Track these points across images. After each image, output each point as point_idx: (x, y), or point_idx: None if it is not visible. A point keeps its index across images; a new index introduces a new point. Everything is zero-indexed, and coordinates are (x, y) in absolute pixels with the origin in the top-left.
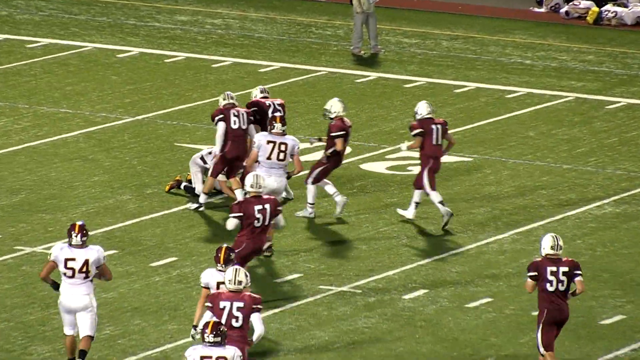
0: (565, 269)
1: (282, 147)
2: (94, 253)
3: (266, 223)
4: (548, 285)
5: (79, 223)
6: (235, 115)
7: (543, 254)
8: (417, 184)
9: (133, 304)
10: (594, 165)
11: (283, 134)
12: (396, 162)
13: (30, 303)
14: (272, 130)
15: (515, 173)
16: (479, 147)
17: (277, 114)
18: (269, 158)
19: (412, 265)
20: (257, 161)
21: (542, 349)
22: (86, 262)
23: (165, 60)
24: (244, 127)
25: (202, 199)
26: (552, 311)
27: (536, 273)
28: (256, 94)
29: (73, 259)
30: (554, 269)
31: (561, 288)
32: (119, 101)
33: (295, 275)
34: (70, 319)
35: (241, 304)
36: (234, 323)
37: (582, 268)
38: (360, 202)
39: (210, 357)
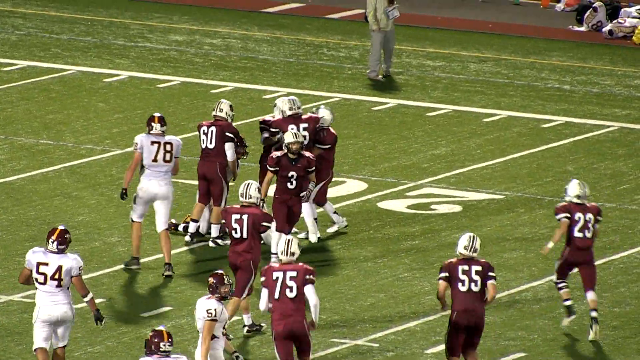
0: (478, 268)
1: (168, 147)
2: (69, 261)
3: (244, 236)
4: (460, 284)
5: (60, 227)
6: (204, 133)
7: (457, 254)
8: (322, 201)
9: (122, 359)
10: None
11: (163, 134)
12: (418, 199)
13: (6, 359)
14: (151, 132)
15: (552, 212)
16: (511, 183)
17: (156, 114)
18: (154, 160)
19: (436, 315)
20: (142, 167)
21: (447, 353)
22: (59, 269)
23: (158, 86)
24: (210, 146)
25: (214, 230)
26: (463, 313)
27: (447, 274)
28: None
29: (46, 264)
30: (466, 267)
31: (475, 289)
32: (107, 131)
33: None
34: (48, 331)
35: (294, 273)
36: (288, 293)
37: (627, 319)
38: (378, 244)
39: None
